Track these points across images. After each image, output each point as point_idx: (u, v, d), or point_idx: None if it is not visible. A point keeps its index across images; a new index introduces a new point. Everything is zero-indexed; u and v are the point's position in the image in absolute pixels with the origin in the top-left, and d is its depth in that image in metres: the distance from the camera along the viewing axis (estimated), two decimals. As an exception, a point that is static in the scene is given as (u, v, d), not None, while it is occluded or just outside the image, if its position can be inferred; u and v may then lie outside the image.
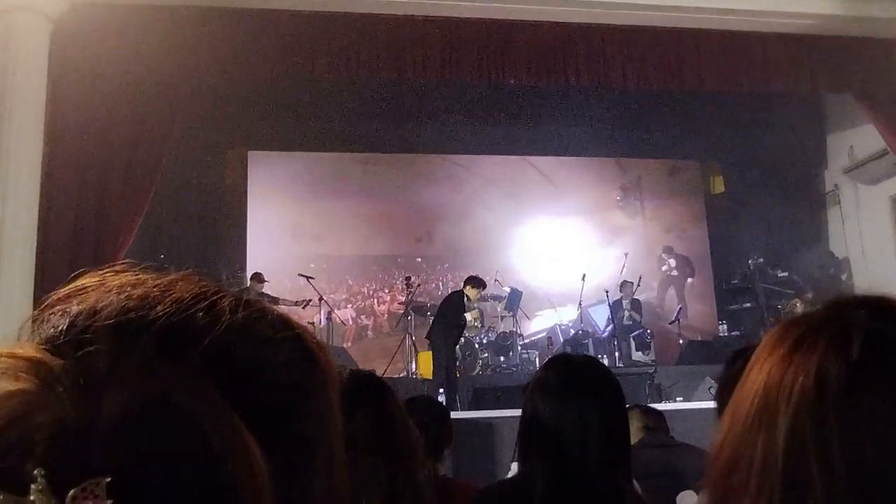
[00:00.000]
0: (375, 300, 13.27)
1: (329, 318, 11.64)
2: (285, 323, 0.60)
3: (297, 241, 12.77)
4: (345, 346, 11.68)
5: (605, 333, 11.64)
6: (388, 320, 13.10)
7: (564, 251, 13.41)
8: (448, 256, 13.20)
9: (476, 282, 9.64)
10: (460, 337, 9.56)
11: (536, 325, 12.67)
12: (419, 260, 13.39)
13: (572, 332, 11.92)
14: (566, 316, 12.84)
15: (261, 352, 0.57)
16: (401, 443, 1.56)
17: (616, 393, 1.97)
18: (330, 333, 11.56)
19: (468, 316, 9.42)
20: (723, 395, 1.68)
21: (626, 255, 13.03)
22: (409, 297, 11.35)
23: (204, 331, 0.55)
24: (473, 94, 11.30)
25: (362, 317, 13.05)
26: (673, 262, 13.75)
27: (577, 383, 1.93)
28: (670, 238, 13.87)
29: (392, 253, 13.39)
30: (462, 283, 10.00)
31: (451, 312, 9.37)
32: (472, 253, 12.76)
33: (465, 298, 9.57)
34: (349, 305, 12.76)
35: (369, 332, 13.04)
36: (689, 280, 13.70)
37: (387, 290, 13.35)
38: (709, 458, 0.80)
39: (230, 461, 0.48)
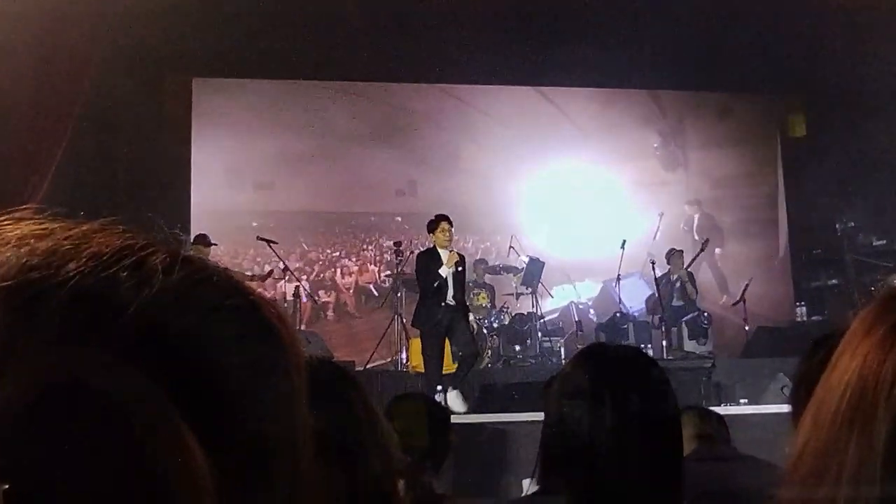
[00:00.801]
0: (338, 270, 13.28)
1: (297, 296, 11.69)
2: (236, 287, 0.60)
3: (242, 192, 12.86)
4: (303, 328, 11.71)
5: (639, 315, 11.72)
6: (355, 296, 13.13)
7: (585, 209, 13.49)
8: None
9: (436, 220, 9.12)
10: (442, 305, 8.86)
11: (549, 304, 12.73)
12: (398, 219, 13.42)
13: (591, 312, 11.85)
14: (585, 292, 12.92)
15: (204, 324, 0.56)
16: (365, 450, 1.57)
17: (665, 393, 1.98)
18: (300, 315, 11.63)
19: (444, 269, 8.88)
20: (799, 395, 1.69)
21: (660, 215, 13.10)
22: (399, 267, 11.34)
23: (129, 296, 0.54)
24: (472, 7, 11.21)
25: (320, 292, 13.06)
26: (696, 219, 13.81)
27: (615, 381, 1.93)
28: (721, 197, 13.93)
29: (363, 209, 13.41)
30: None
31: (422, 279, 9.08)
32: (468, 210, 12.77)
33: (433, 249, 9.07)
34: (303, 277, 12.73)
35: (328, 313, 13.08)
36: (717, 250, 13.79)
37: (354, 258, 13.35)
38: (783, 471, 0.80)
39: (162, 463, 0.48)
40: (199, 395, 0.54)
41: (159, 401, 0.50)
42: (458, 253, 9.17)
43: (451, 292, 8.96)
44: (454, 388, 8.84)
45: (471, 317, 9.79)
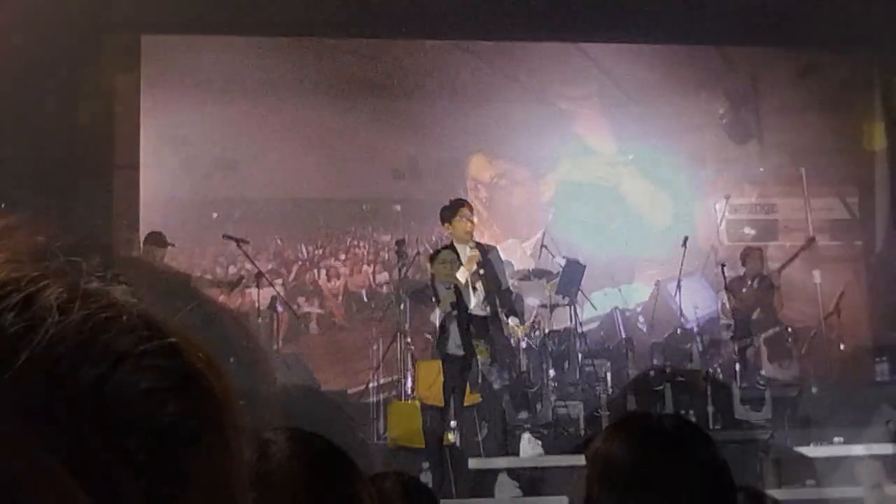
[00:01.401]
0: (323, 272, 13.36)
1: (273, 308, 11.68)
2: (151, 326, 0.61)
3: (200, 174, 12.94)
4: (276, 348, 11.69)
5: (705, 327, 11.66)
6: (344, 305, 13.21)
7: (632, 194, 13.62)
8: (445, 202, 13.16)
9: (453, 206, 8.96)
10: (465, 316, 8.77)
11: (588, 311, 12.57)
12: (397, 207, 13.42)
13: (641, 321, 11.89)
14: (633, 297, 12.95)
15: (113, 376, 0.58)
16: None
17: (723, 487, 2.03)
18: (274, 331, 11.63)
19: (462, 272, 8.66)
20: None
21: (726, 198, 13.25)
22: (404, 271, 11.24)
23: (15, 344, 0.56)
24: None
25: (300, 300, 13.11)
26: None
27: (661, 467, 1.98)
28: (807, 176, 13.90)
29: (353, 196, 13.44)
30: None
31: (442, 283, 8.89)
32: (487, 200, 12.84)
33: (450, 246, 8.94)
34: (277, 282, 12.75)
35: (311, 325, 13.14)
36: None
37: (343, 257, 13.42)
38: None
39: None
40: (107, 467, 0.55)
41: (58, 478, 0.52)
42: (483, 246, 8.97)
43: (474, 301, 8.80)
44: (524, 432, 8.83)
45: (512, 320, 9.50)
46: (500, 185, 13.50)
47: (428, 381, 10.02)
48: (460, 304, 8.77)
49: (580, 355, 11.02)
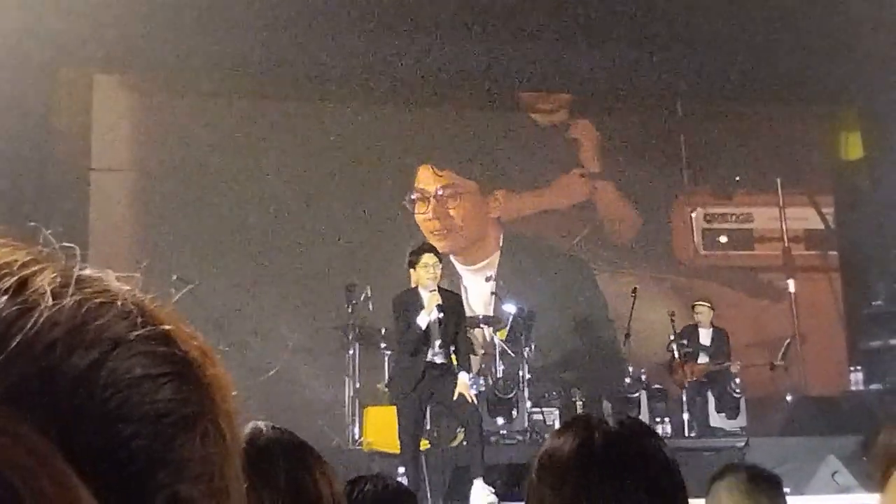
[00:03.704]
0: None
1: None
2: (145, 313, 0.61)
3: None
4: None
5: (653, 380, 11.58)
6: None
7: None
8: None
9: (420, 251, 8.89)
10: (422, 363, 8.67)
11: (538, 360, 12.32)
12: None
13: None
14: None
15: (107, 361, 0.57)
16: None
17: (671, 483, 1.96)
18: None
19: (423, 316, 8.56)
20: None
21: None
22: (354, 316, 11.19)
23: (8, 328, 0.56)
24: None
25: None
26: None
27: (606, 467, 1.93)
28: (782, 185, 13.98)
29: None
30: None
31: (401, 326, 8.84)
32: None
33: (414, 290, 8.87)
34: None
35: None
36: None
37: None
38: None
39: None
40: (102, 454, 0.55)
41: (52, 462, 0.51)
42: (444, 292, 8.91)
43: (434, 347, 8.71)
44: (477, 477, 8.58)
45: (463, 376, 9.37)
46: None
47: (376, 427, 10.03)
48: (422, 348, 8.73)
49: (528, 403, 10.97)
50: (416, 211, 13.45)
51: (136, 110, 13.14)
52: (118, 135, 12.98)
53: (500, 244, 13.56)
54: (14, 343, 0.55)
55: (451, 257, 13.34)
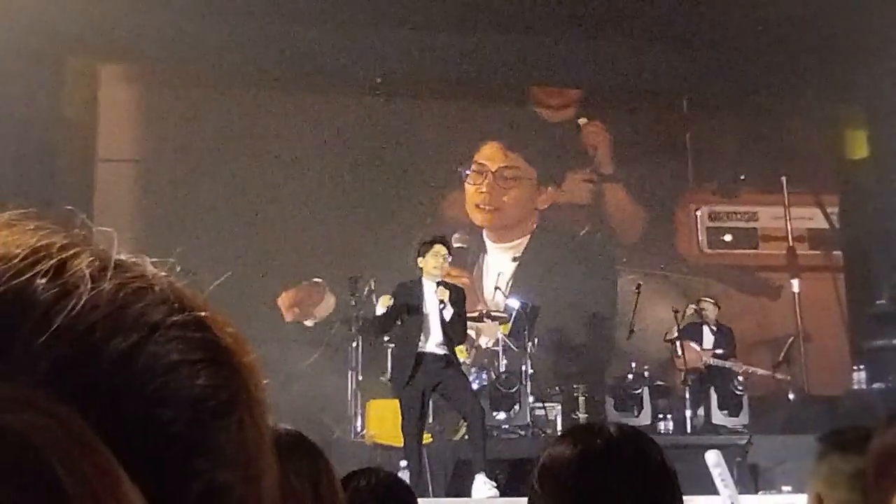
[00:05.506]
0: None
1: None
2: (181, 300, 0.61)
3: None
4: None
5: (656, 376, 11.63)
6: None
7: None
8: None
9: (432, 241, 8.86)
10: (422, 353, 8.68)
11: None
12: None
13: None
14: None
15: (146, 346, 0.57)
16: None
17: (671, 491, 1.98)
18: None
19: (428, 306, 8.60)
20: (882, 484, 1.75)
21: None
22: (357, 308, 11.26)
23: (48, 310, 0.55)
24: None
25: None
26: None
27: (607, 474, 1.94)
28: (788, 184, 14.03)
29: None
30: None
31: (401, 315, 8.83)
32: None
33: (420, 279, 8.83)
34: None
35: None
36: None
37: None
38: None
39: None
40: (139, 435, 0.55)
41: (90, 443, 0.51)
42: (449, 285, 8.88)
43: (434, 338, 8.70)
44: (479, 472, 8.57)
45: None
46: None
47: (379, 419, 10.07)
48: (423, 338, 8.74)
49: (531, 398, 10.98)
50: (468, 182, 13.64)
51: (142, 101, 13.24)
52: (124, 125, 13.06)
53: (533, 229, 13.83)
54: (55, 325, 0.54)
55: (484, 232, 13.70)
